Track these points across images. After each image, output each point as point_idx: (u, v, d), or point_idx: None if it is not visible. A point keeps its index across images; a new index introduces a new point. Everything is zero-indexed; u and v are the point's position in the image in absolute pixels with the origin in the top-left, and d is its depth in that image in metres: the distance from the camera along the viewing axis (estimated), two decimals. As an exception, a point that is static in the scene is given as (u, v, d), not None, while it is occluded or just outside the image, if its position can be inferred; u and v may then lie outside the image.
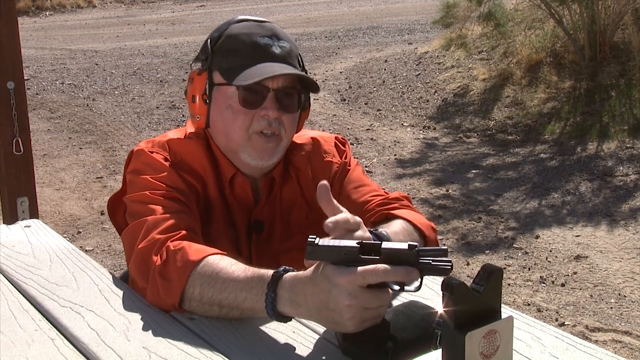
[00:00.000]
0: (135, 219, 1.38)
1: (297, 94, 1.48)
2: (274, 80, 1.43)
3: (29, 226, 1.72)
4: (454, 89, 8.07)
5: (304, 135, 1.61)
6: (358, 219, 1.16)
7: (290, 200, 1.56)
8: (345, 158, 1.61)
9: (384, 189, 1.63)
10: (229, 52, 1.46)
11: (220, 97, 1.47)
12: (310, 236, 1.08)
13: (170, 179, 1.43)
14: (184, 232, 1.33)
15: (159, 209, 1.37)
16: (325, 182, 1.17)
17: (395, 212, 1.48)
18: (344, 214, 1.15)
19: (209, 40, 1.50)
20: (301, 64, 1.54)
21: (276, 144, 1.47)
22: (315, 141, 1.61)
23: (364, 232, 1.15)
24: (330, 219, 1.13)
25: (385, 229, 1.35)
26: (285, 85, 1.45)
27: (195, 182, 1.48)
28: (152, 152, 1.48)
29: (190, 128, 1.56)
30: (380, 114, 7.84)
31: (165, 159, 1.47)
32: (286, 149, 1.53)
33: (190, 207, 1.42)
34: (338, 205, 1.17)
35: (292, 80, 1.46)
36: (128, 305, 1.30)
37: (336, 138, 1.65)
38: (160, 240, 1.30)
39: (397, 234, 1.36)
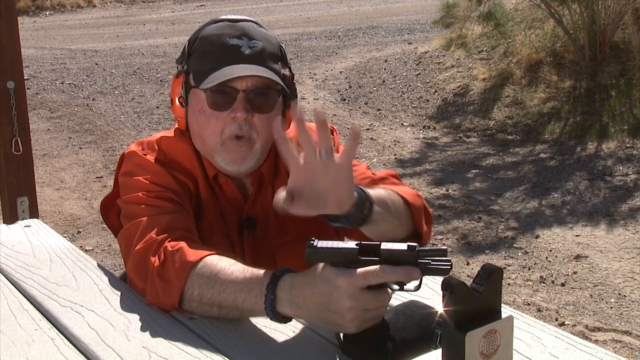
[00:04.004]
0: (131, 221, 1.38)
1: (273, 94, 1.45)
2: (241, 81, 1.40)
3: (29, 226, 1.72)
4: (454, 89, 8.06)
5: (291, 129, 1.60)
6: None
7: None
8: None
9: (369, 168, 1.60)
10: (202, 55, 1.45)
11: (195, 99, 1.45)
12: (309, 239, 1.07)
13: (163, 179, 1.43)
14: (180, 231, 1.32)
15: (153, 209, 1.36)
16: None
17: (381, 186, 1.44)
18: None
19: (187, 42, 1.49)
20: (284, 60, 1.49)
21: (248, 148, 1.44)
22: None
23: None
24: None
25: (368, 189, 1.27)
26: (257, 85, 1.42)
27: (187, 180, 1.47)
28: (144, 154, 1.47)
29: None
30: (380, 113, 7.84)
31: (157, 160, 1.46)
32: (267, 151, 1.50)
33: (184, 206, 1.41)
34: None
35: (265, 80, 1.42)
36: (128, 305, 1.30)
37: None
38: (157, 241, 1.30)
39: (378, 194, 1.28)
